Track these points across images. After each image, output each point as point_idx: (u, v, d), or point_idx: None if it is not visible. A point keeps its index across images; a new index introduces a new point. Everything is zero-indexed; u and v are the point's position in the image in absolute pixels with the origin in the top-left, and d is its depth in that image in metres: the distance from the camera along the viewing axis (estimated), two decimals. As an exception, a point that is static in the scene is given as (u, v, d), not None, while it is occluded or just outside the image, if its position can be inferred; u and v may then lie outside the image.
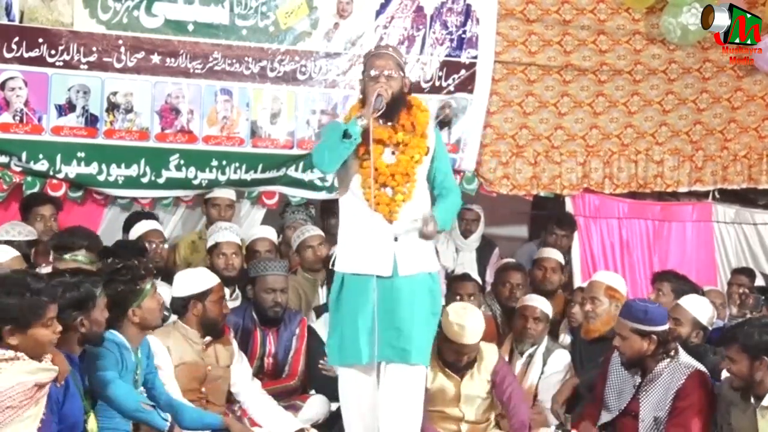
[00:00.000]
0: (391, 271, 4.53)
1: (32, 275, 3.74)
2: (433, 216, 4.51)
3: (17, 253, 5.25)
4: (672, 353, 4.96)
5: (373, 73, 4.53)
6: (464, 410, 5.30)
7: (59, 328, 3.67)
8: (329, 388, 5.33)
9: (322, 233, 6.43)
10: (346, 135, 4.39)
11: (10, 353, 3.54)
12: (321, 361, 5.60)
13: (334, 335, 4.68)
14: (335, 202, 6.69)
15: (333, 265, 4.73)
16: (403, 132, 4.58)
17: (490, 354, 5.37)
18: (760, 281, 6.78)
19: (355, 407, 4.66)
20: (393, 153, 4.57)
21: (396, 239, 4.55)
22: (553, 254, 6.70)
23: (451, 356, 5.22)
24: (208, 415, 4.69)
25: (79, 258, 5.04)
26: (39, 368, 3.57)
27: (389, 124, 4.57)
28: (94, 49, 6.03)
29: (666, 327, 4.96)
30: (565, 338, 6.22)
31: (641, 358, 4.95)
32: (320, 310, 5.96)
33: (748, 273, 6.84)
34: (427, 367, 4.72)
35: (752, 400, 4.62)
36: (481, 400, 5.34)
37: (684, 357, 4.99)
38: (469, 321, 5.14)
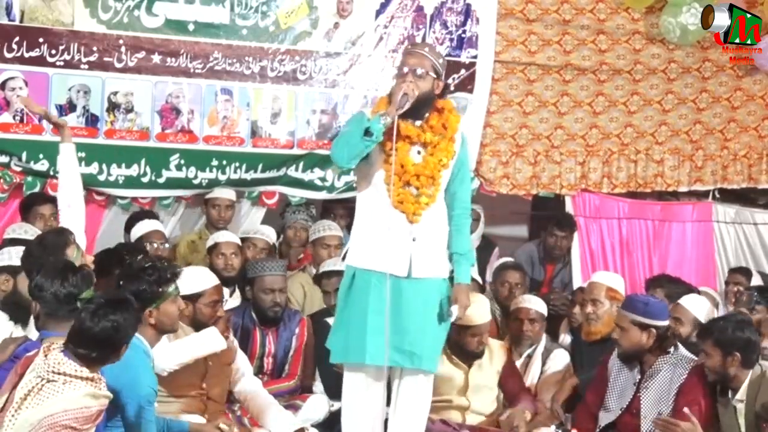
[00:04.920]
0: (406, 272, 4.47)
1: None
2: (463, 287, 4.54)
3: None
4: (671, 349, 5.00)
5: (404, 69, 4.47)
6: (471, 399, 5.34)
7: None
8: (337, 385, 5.32)
9: (341, 235, 6.43)
10: (367, 133, 4.33)
11: (87, 372, 3.56)
12: None
13: (340, 331, 4.60)
14: (336, 202, 6.84)
15: (344, 258, 4.68)
16: (432, 133, 4.52)
17: (500, 351, 5.48)
18: (758, 281, 6.78)
19: (358, 410, 4.60)
20: (419, 153, 4.52)
21: (414, 240, 4.50)
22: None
23: (462, 339, 5.24)
24: (175, 423, 4.62)
25: None
26: (102, 395, 3.59)
27: (418, 123, 4.49)
28: (95, 48, 6.04)
29: (666, 323, 5.01)
30: (565, 338, 6.24)
31: (639, 352, 4.98)
32: (322, 314, 5.96)
33: (745, 272, 6.86)
34: (434, 374, 4.69)
35: (729, 394, 4.70)
36: (489, 391, 5.39)
37: (683, 351, 5.04)
38: (474, 302, 5.19)
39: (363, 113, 4.62)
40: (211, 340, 4.90)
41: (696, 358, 5.02)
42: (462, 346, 5.31)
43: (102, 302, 3.66)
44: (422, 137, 4.50)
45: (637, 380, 5.02)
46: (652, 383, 4.98)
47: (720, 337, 4.63)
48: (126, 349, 3.70)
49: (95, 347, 3.59)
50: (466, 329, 5.23)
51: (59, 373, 3.54)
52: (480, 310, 5.25)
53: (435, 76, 4.50)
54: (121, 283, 4.23)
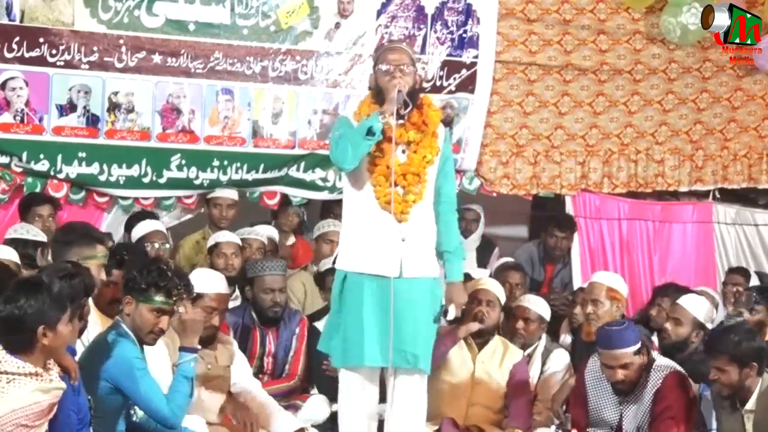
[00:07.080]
0: (397, 272, 4.48)
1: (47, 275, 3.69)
2: (456, 285, 4.60)
3: (12, 257, 5.02)
4: (652, 358, 5.01)
5: (385, 67, 4.48)
6: (474, 390, 5.31)
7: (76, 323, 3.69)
8: (332, 389, 5.33)
9: None
10: (369, 132, 4.34)
11: (30, 368, 3.50)
12: (325, 362, 5.61)
13: (337, 336, 4.61)
14: (335, 202, 6.82)
15: (334, 263, 4.69)
16: (414, 131, 4.53)
17: (516, 351, 5.48)
18: (756, 281, 6.78)
19: (354, 410, 4.62)
20: (404, 152, 4.53)
21: (403, 240, 4.51)
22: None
23: (473, 308, 5.22)
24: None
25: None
26: (52, 387, 3.53)
27: (400, 122, 4.49)
28: (95, 48, 6.03)
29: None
30: (565, 338, 6.24)
31: (641, 374, 4.97)
32: (320, 314, 5.96)
33: (743, 272, 6.86)
34: (429, 374, 4.69)
35: (738, 404, 4.69)
36: (496, 385, 5.35)
37: (660, 359, 5.03)
38: (486, 277, 5.38)
39: (347, 118, 4.65)
40: None
41: (674, 365, 5.01)
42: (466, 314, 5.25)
43: (14, 286, 3.60)
44: (405, 136, 4.52)
45: (620, 398, 5.00)
46: (634, 397, 4.97)
47: (735, 351, 4.58)
48: (53, 333, 3.55)
49: (6, 332, 3.51)
50: (473, 295, 5.23)
51: (1, 373, 3.46)
52: (492, 282, 5.37)
53: (415, 69, 4.54)
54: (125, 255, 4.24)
